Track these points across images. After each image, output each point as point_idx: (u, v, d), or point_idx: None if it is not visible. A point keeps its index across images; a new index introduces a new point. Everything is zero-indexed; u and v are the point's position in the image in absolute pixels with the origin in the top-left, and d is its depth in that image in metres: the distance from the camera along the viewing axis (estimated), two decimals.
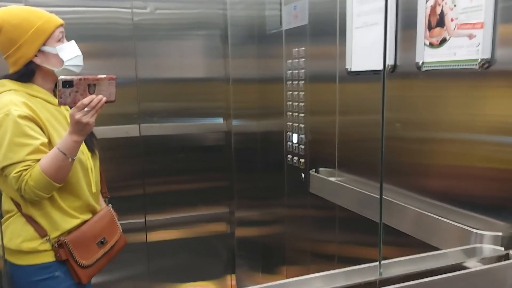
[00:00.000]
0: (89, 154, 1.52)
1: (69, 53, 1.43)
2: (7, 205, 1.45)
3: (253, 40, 2.37)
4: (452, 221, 1.11)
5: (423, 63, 1.21)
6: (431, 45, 1.18)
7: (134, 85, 2.28)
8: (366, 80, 1.49)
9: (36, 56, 1.41)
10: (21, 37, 1.38)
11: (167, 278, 2.50)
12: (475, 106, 1.10)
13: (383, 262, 0.87)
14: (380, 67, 1.38)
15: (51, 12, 1.46)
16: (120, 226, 1.66)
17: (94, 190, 1.53)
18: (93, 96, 1.30)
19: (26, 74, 1.42)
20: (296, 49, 1.93)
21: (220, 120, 2.51)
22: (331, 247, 1.82)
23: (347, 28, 1.53)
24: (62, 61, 1.43)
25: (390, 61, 1.34)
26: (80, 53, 1.47)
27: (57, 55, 1.42)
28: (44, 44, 1.41)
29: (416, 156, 1.30)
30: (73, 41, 1.47)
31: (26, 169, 1.32)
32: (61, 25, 1.45)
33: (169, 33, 2.33)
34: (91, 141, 1.54)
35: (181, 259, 2.52)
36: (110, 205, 1.67)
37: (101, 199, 1.68)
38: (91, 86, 1.30)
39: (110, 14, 2.22)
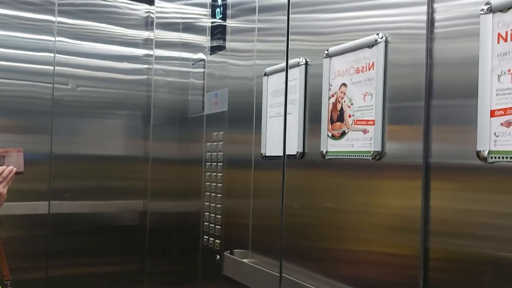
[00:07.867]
0: None
1: None
2: None
3: (175, 122, 2.44)
4: None
5: (326, 152, 1.34)
6: (333, 136, 1.33)
7: (48, 161, 2.21)
8: (279, 165, 1.60)
9: None
10: None
11: None
12: (370, 194, 1.22)
13: None
14: (291, 152, 1.50)
15: None
16: None
17: None
18: (4, 167, 1.36)
19: None
20: (216, 133, 2.03)
21: (136, 200, 2.47)
22: None
23: (263, 117, 1.67)
24: None
25: (299, 148, 1.47)
26: None
27: None
28: None
29: (321, 239, 1.38)
30: None
31: None
32: None
33: (90, 111, 2.33)
34: None
35: None
36: None
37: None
38: (0, 158, 1.37)
39: (30, 88, 2.19)
